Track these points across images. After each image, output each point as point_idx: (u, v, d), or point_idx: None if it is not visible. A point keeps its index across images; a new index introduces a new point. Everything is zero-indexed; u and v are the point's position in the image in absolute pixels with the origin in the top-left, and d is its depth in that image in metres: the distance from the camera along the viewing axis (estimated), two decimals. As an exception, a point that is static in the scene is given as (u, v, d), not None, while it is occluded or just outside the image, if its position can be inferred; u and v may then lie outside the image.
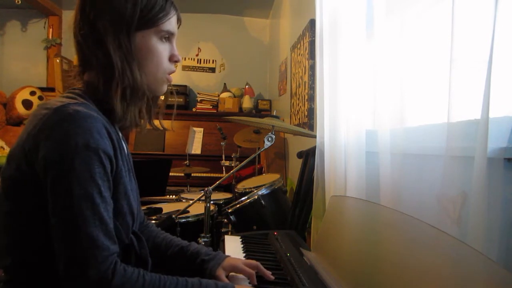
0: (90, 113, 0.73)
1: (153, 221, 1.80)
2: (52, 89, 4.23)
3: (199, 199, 1.64)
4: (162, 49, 0.85)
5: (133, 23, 0.80)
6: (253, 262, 0.98)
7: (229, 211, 1.92)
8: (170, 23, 0.85)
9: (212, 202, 1.74)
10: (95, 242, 0.70)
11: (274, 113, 3.99)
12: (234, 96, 4.31)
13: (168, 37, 0.86)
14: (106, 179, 0.74)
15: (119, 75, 0.79)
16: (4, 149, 3.59)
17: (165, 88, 0.90)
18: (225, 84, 4.51)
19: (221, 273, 0.95)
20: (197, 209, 1.92)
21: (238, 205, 1.92)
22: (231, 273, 0.97)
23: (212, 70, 4.75)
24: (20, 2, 3.88)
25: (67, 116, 0.71)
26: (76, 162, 0.69)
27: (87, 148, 0.70)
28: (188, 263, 0.99)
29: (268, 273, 0.95)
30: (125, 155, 0.86)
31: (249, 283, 0.94)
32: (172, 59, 0.88)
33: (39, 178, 0.72)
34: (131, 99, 0.82)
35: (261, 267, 0.96)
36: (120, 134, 0.91)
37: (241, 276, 0.96)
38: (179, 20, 0.89)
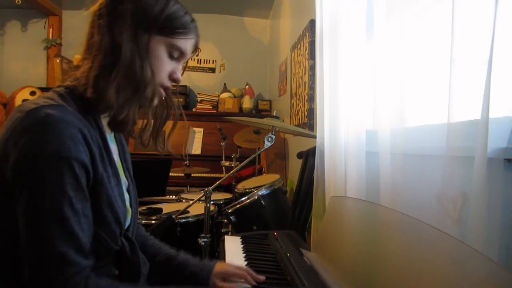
0: (64, 117, 0.68)
1: (153, 221, 1.80)
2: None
3: (199, 199, 1.64)
4: (167, 62, 0.83)
5: (155, 25, 0.78)
6: (243, 267, 0.99)
7: (229, 211, 1.92)
8: (185, 43, 0.83)
9: (212, 202, 1.74)
10: (62, 258, 0.66)
11: (274, 114, 3.99)
12: (234, 96, 4.31)
13: (178, 56, 0.84)
14: (80, 189, 0.69)
15: (124, 65, 0.75)
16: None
17: (155, 100, 0.84)
18: (225, 84, 4.51)
19: (215, 282, 0.95)
20: (197, 209, 1.92)
21: (238, 205, 1.92)
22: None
23: (212, 70, 4.75)
24: (20, 2, 3.88)
25: (38, 121, 0.67)
26: (45, 172, 0.66)
27: (57, 157, 0.66)
28: (175, 273, 0.98)
29: (259, 276, 0.95)
30: (109, 160, 0.80)
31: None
32: (171, 76, 0.85)
33: (9, 186, 0.68)
34: (134, 94, 0.78)
35: (251, 271, 0.97)
36: (111, 135, 0.87)
37: (241, 282, 0.96)
38: (196, 48, 0.87)
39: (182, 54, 0.84)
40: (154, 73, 0.80)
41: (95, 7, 0.79)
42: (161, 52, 0.81)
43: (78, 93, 0.78)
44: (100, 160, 0.75)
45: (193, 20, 0.84)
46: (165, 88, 0.86)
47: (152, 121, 0.88)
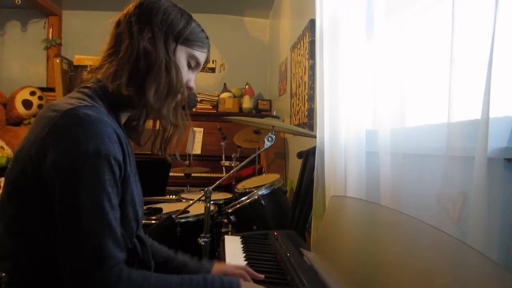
0: (101, 117, 0.73)
1: (153, 221, 1.80)
2: (52, 89, 4.23)
3: (199, 199, 1.64)
4: (185, 71, 0.90)
5: (182, 36, 0.86)
6: (241, 266, 0.99)
7: (229, 211, 1.92)
8: (202, 55, 0.92)
9: (212, 202, 1.74)
10: (103, 252, 0.69)
11: (274, 113, 3.98)
12: (234, 96, 4.31)
13: (194, 66, 0.92)
14: (116, 186, 0.74)
15: (159, 70, 0.82)
16: (4, 149, 3.59)
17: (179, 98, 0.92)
18: (225, 84, 4.51)
19: None
20: (197, 209, 1.92)
21: (238, 205, 1.93)
22: None
23: (212, 70, 4.75)
24: (20, 2, 3.88)
25: (77, 121, 0.70)
26: (86, 170, 0.69)
27: (97, 155, 0.69)
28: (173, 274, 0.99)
29: (258, 274, 0.96)
30: (133, 160, 0.86)
31: None
32: (187, 84, 0.92)
33: (45, 183, 0.71)
34: (169, 94, 0.85)
35: (249, 269, 0.97)
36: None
37: None
38: (206, 61, 0.95)
39: (197, 64, 0.92)
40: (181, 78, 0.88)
41: (121, 15, 0.86)
42: (183, 60, 0.89)
43: (103, 94, 0.82)
44: (128, 159, 0.79)
45: (207, 37, 0.93)
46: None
47: (162, 130, 0.93)
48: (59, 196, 0.70)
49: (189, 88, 0.93)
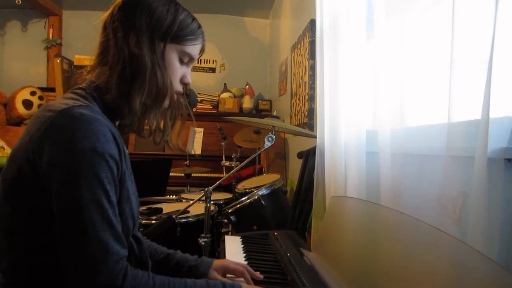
0: (96, 117, 0.73)
1: (153, 221, 1.80)
2: (52, 89, 4.23)
3: (199, 199, 1.64)
4: (178, 68, 0.88)
5: (169, 34, 0.83)
6: (242, 263, 0.99)
7: (229, 211, 1.92)
8: (194, 49, 0.88)
9: (212, 202, 1.74)
10: (105, 247, 0.70)
11: (274, 113, 3.98)
12: (234, 96, 4.31)
13: (187, 60, 0.89)
14: (113, 183, 0.74)
15: (144, 75, 0.80)
16: (4, 149, 3.59)
17: (167, 103, 0.89)
18: (225, 84, 4.51)
19: (215, 275, 0.96)
20: (197, 209, 1.92)
21: (238, 205, 1.92)
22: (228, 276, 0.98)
23: (212, 70, 4.75)
24: (20, 2, 3.88)
25: (73, 120, 0.71)
26: (83, 167, 0.69)
27: (94, 153, 0.70)
28: (173, 270, 0.99)
29: (258, 274, 0.96)
30: (128, 158, 0.86)
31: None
32: (183, 80, 0.90)
33: (41, 181, 0.71)
34: (155, 101, 0.84)
35: (249, 268, 0.97)
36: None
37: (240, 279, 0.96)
38: (202, 50, 0.93)
39: (191, 59, 0.90)
40: (171, 80, 0.85)
41: (107, 18, 0.84)
42: (174, 59, 0.86)
43: (97, 95, 0.82)
44: (123, 157, 0.79)
45: (200, 26, 0.89)
46: (177, 93, 0.91)
47: (163, 122, 0.92)
48: (57, 195, 0.70)
49: (185, 84, 0.91)
